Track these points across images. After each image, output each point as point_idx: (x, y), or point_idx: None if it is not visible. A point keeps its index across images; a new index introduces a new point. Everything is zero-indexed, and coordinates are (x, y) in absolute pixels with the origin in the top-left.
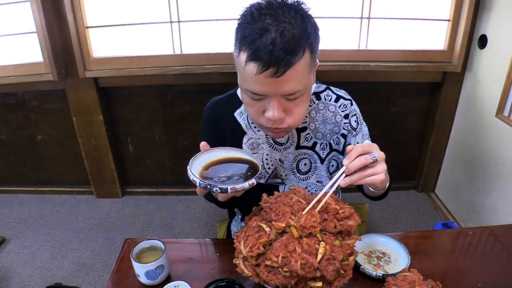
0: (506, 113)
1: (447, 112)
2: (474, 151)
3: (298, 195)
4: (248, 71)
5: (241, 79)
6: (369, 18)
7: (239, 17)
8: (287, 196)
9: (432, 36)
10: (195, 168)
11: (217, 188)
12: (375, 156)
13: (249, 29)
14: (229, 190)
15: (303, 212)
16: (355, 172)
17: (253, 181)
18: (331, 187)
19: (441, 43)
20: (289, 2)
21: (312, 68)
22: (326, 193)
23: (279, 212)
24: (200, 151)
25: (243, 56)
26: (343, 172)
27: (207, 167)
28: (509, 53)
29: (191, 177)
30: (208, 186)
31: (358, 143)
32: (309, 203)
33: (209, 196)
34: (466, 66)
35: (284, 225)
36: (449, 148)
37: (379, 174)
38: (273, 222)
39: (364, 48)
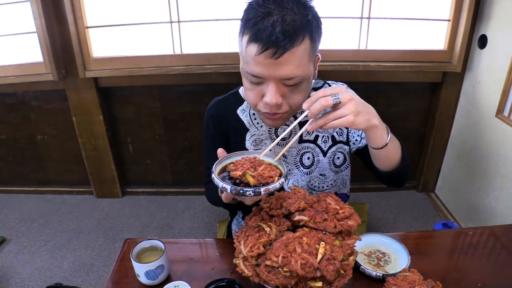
0: (506, 113)
1: (447, 112)
2: (474, 151)
3: (298, 195)
4: (249, 53)
5: (243, 62)
6: (369, 18)
7: (246, 4)
8: (286, 195)
9: (432, 36)
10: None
11: (250, 192)
12: (338, 98)
13: (253, 13)
14: (262, 192)
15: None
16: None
17: (282, 180)
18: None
19: (441, 43)
20: None
21: (312, 58)
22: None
23: (238, 164)
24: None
25: (245, 38)
26: (306, 116)
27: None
28: (509, 53)
29: (220, 185)
30: (241, 191)
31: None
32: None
33: (217, 200)
34: (466, 66)
35: (240, 173)
36: (449, 148)
37: (345, 116)
38: (231, 172)
39: (364, 48)
